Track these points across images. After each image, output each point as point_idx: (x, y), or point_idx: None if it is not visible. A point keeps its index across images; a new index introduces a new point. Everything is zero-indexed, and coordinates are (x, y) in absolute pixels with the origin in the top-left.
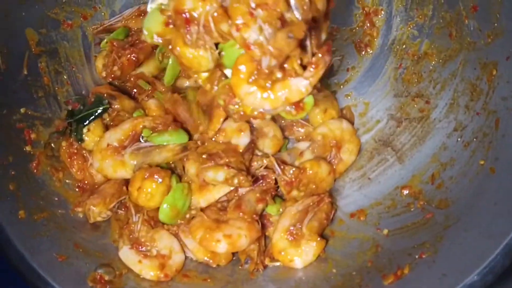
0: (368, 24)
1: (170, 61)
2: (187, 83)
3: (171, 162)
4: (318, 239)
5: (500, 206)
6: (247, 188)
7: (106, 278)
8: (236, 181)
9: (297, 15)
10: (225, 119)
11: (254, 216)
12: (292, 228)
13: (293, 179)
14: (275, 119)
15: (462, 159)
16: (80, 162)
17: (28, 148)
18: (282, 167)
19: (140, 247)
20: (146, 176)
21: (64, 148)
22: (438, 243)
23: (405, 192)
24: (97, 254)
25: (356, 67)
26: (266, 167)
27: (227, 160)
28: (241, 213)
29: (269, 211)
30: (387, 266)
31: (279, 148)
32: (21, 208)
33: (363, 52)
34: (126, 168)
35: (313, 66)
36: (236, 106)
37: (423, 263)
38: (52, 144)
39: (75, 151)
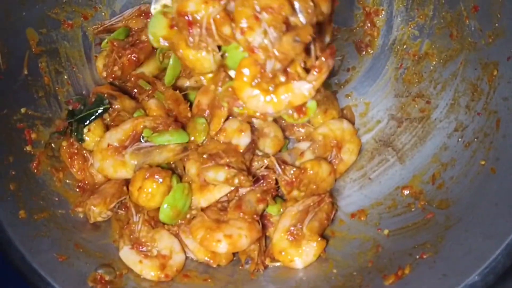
0: (369, 24)
1: (171, 61)
2: (187, 83)
3: (171, 162)
4: (319, 239)
5: (501, 206)
6: (248, 188)
7: (107, 278)
8: (236, 181)
9: (302, 18)
10: (226, 119)
11: (255, 216)
12: (292, 228)
13: (294, 179)
14: (275, 119)
15: (463, 160)
16: (80, 162)
17: (28, 148)
18: (282, 167)
19: (140, 247)
20: (146, 176)
21: (64, 148)
22: (439, 244)
23: (406, 192)
24: (97, 254)
25: (356, 67)
26: (267, 167)
27: (227, 160)
28: (241, 213)
29: (270, 211)
30: (387, 266)
31: (279, 148)
32: (22, 208)
33: (364, 52)
34: (126, 168)
35: (316, 69)
36: (241, 108)
37: (424, 264)
38: (53, 144)
39: (76, 151)
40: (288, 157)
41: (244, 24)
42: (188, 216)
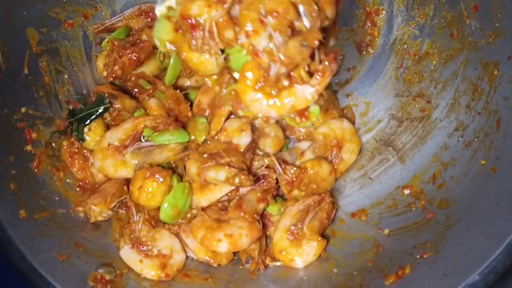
0: (369, 24)
1: (171, 61)
2: (188, 82)
3: (172, 162)
4: (319, 238)
5: (501, 206)
6: (248, 187)
7: (107, 277)
8: (237, 180)
9: (306, 22)
10: (227, 118)
11: (255, 215)
12: (293, 227)
13: (294, 179)
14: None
15: (463, 159)
16: (81, 161)
17: (29, 148)
18: (283, 166)
19: (141, 246)
20: (147, 176)
21: (65, 147)
22: (440, 243)
23: (406, 192)
24: (98, 253)
25: (357, 66)
26: (267, 167)
27: (228, 160)
28: (242, 213)
29: (270, 210)
30: (388, 266)
31: (280, 148)
32: (22, 207)
33: (364, 52)
34: (127, 167)
35: (319, 73)
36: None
37: (424, 263)
38: (53, 144)
39: (76, 150)
40: (288, 156)
41: (249, 27)
42: (188, 215)
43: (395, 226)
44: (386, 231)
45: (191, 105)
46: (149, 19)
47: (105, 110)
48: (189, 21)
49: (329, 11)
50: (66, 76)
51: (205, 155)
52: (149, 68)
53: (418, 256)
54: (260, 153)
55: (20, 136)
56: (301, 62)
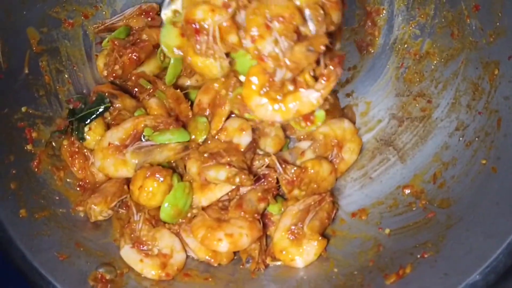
0: (370, 24)
1: (172, 60)
2: (188, 82)
3: (172, 161)
4: (320, 238)
5: (502, 206)
6: (249, 187)
7: (107, 277)
8: (237, 180)
9: (311, 26)
10: (227, 118)
11: (256, 215)
12: (293, 227)
13: (295, 178)
14: None
15: (464, 159)
16: (81, 161)
17: (29, 147)
18: (283, 166)
19: (141, 246)
20: (147, 175)
21: (65, 147)
22: (440, 243)
23: (407, 191)
24: (98, 253)
25: (357, 66)
26: (268, 166)
27: (228, 159)
28: (242, 212)
29: (271, 210)
30: (389, 265)
31: (280, 147)
32: (22, 207)
33: (365, 52)
34: (127, 167)
35: (324, 78)
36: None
37: (425, 263)
38: (53, 143)
39: (76, 150)
40: (289, 156)
41: (254, 32)
42: (189, 215)
43: (395, 225)
44: (387, 230)
45: (191, 105)
46: (149, 19)
47: (106, 109)
48: (193, 25)
49: (335, 15)
50: (66, 76)
51: (205, 155)
52: (149, 68)
53: (418, 256)
54: (261, 152)
55: (20, 136)
56: (307, 67)
